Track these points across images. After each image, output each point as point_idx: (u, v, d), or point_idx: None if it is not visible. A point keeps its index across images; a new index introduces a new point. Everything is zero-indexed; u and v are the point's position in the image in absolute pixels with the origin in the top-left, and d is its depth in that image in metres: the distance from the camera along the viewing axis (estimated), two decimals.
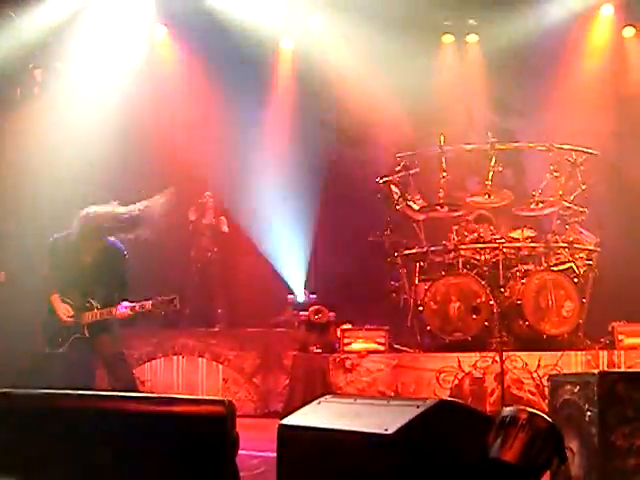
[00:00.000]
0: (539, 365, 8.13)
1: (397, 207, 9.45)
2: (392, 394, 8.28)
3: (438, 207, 9.21)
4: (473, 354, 8.33)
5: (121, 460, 3.11)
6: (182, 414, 3.18)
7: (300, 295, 11.28)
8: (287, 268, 11.65)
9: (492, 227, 9.31)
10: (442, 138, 9.17)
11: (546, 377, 5.78)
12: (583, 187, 9.07)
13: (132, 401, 3.33)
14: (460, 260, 9.05)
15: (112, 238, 7.16)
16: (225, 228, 11.30)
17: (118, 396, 3.43)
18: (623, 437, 3.97)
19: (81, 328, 6.98)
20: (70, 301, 7.05)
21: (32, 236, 9.04)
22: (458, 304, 8.65)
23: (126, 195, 7.48)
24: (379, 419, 3.36)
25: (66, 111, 10.48)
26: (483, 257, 9.08)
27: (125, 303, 6.94)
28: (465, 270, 9.00)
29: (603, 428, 4.01)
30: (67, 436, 3.17)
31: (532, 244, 9.19)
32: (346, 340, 8.75)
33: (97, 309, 6.97)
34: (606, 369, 8.05)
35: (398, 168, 9.43)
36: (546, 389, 6.04)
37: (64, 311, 7.01)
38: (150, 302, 6.94)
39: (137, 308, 6.94)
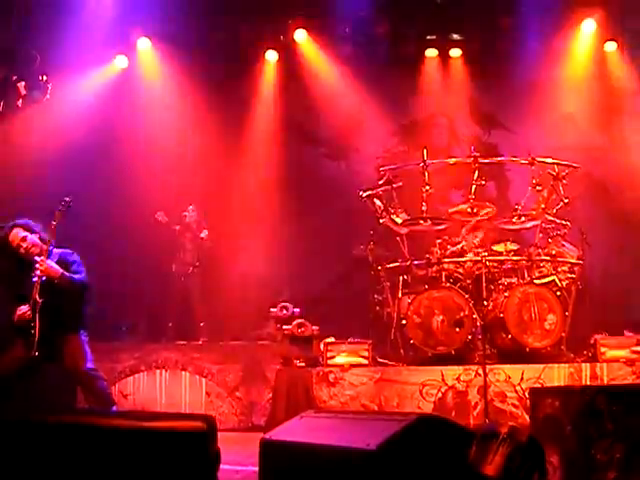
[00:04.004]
0: (522, 378, 8.13)
1: (380, 220, 9.46)
2: (375, 408, 8.27)
3: (421, 221, 9.21)
4: (456, 367, 8.32)
5: (100, 477, 3.10)
6: (162, 430, 3.17)
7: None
8: (270, 281, 11.62)
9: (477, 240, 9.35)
10: (425, 151, 9.19)
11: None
12: (566, 200, 9.10)
13: (111, 417, 3.32)
14: (443, 274, 9.06)
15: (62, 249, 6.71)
16: (205, 234, 11.20)
17: (98, 412, 3.42)
18: (603, 451, 3.98)
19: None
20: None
21: None
22: (441, 317, 8.64)
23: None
24: (361, 434, 3.37)
25: (48, 122, 10.48)
26: (466, 271, 9.11)
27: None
28: (448, 284, 8.99)
29: (584, 442, 4.02)
30: (45, 453, 3.15)
31: (515, 257, 9.21)
32: (329, 354, 8.71)
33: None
34: (589, 382, 8.07)
35: (381, 181, 9.43)
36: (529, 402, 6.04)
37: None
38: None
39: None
